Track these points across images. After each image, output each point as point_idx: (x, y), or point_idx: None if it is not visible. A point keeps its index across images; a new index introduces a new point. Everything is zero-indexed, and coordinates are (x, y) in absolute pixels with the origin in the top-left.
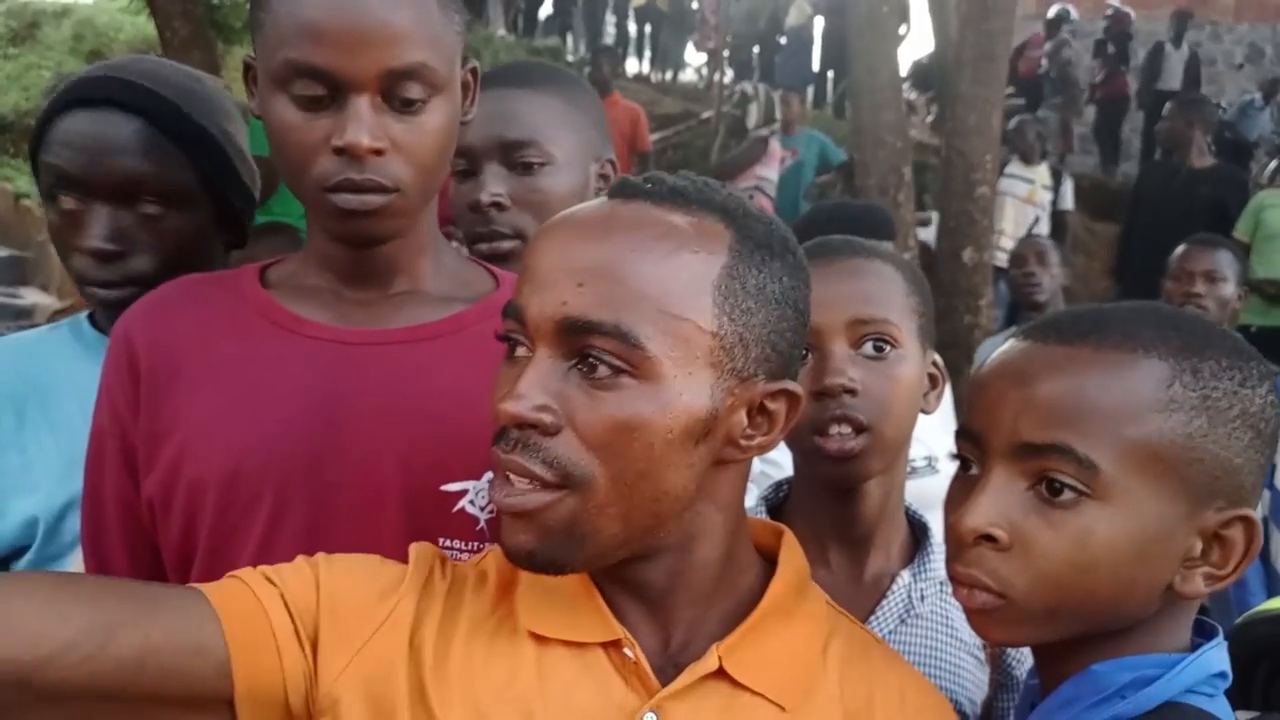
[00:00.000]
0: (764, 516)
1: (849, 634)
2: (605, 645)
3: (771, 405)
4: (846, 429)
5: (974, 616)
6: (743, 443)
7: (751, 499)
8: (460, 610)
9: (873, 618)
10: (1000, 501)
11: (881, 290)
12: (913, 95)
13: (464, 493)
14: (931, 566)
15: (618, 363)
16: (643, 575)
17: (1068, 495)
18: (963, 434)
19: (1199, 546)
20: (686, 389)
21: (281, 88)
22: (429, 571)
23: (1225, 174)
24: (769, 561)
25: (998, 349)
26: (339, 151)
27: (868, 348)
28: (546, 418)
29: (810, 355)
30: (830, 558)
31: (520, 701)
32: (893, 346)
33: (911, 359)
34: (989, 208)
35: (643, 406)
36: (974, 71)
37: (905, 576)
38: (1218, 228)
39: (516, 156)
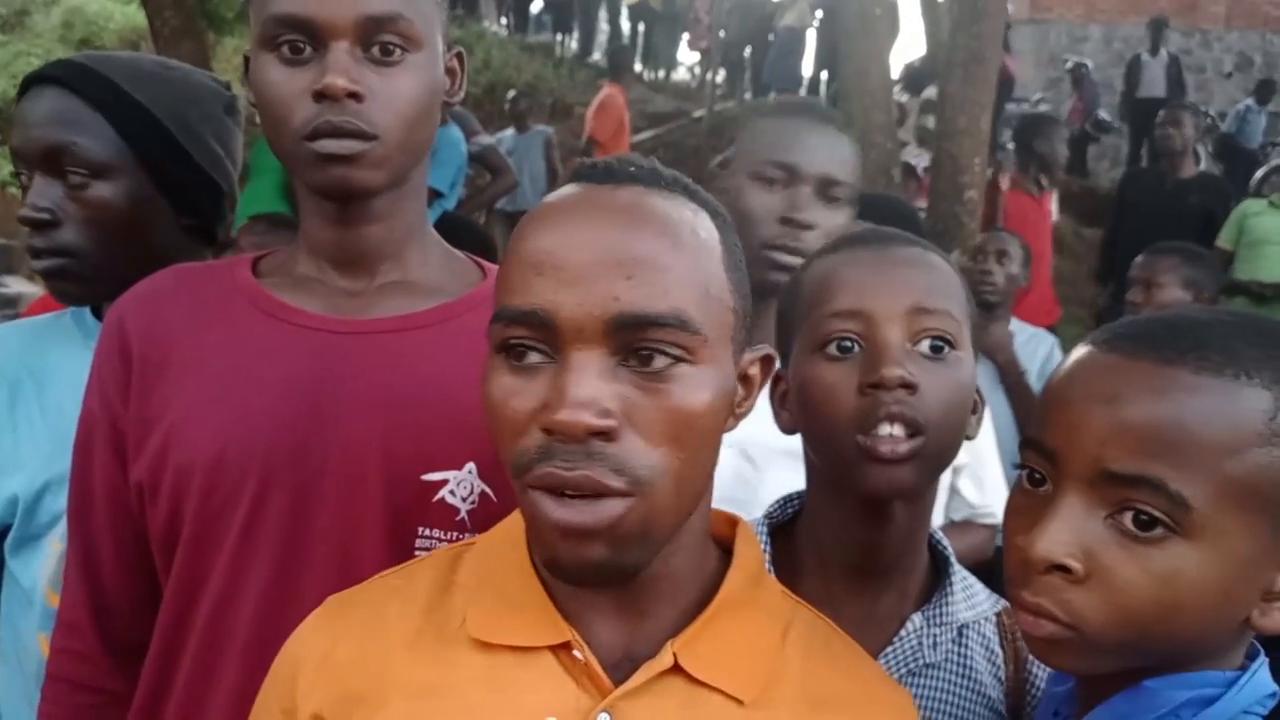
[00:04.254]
0: (764, 536)
1: (809, 624)
2: (554, 648)
3: (751, 371)
4: (899, 429)
5: (1038, 645)
6: (738, 411)
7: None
8: (389, 637)
9: None
10: (1076, 529)
11: (943, 284)
12: (904, 98)
13: (444, 482)
14: (949, 609)
15: (678, 351)
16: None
17: (1156, 531)
18: (1033, 446)
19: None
20: (724, 367)
21: (268, 47)
22: (319, 659)
23: (1212, 183)
24: (724, 551)
25: (1073, 356)
26: (319, 97)
27: (925, 344)
28: (614, 422)
29: (856, 346)
30: (837, 595)
31: (472, 713)
32: (952, 347)
33: (968, 365)
34: (976, 210)
35: (701, 392)
36: (964, 74)
37: (916, 620)
38: (1205, 236)
39: (831, 193)
